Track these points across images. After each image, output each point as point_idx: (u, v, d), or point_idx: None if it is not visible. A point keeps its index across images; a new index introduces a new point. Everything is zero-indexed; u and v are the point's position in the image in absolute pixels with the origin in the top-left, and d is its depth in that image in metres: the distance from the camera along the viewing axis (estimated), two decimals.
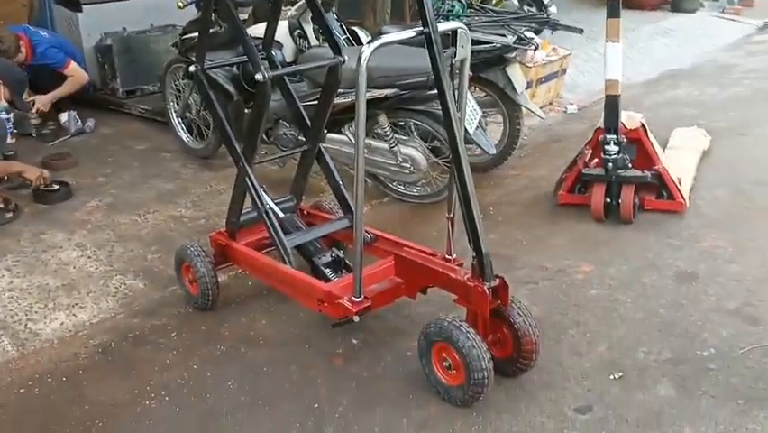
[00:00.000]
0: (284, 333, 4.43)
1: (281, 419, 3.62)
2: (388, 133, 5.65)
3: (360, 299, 3.74)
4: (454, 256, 4.10)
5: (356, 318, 3.70)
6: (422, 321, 4.30)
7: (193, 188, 6.38)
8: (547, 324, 4.26)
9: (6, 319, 4.63)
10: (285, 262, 4.28)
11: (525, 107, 6.36)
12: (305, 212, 5.16)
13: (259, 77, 3.89)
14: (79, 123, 7.05)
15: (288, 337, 4.37)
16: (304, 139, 4.88)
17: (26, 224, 5.70)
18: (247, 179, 4.40)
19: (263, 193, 4.70)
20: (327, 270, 4.44)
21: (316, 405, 3.71)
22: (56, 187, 6.01)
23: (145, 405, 3.82)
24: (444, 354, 3.56)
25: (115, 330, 4.59)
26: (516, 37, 5.94)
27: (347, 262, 4.42)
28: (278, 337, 4.39)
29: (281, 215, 4.73)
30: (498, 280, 3.50)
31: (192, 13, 6.25)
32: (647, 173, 5.48)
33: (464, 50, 3.45)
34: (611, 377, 3.75)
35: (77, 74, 6.87)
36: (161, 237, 5.62)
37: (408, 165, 5.75)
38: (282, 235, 4.33)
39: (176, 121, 6.98)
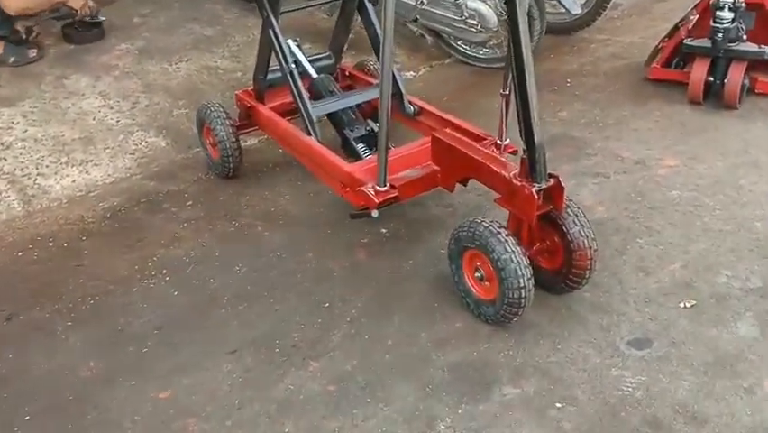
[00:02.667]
0: (307, 212, 3.91)
1: (284, 317, 3.17)
2: None
3: (384, 188, 3.13)
4: (507, 142, 3.39)
5: (375, 213, 3.10)
6: (467, 213, 3.71)
7: (233, 36, 5.73)
8: (611, 228, 3.57)
9: (16, 173, 4.27)
10: (309, 133, 3.68)
11: None
12: (346, 73, 4.47)
13: None
14: None
15: (311, 218, 3.85)
16: None
17: (50, 65, 5.23)
18: (270, 31, 3.73)
19: (293, 47, 4.04)
20: (360, 145, 3.81)
21: (327, 304, 3.23)
22: (98, 19, 5.45)
23: (143, 284, 3.43)
24: (478, 263, 2.97)
25: (128, 193, 4.18)
26: None
27: None
28: (299, 217, 3.87)
29: (314, 75, 4.08)
30: (551, 179, 2.81)
31: None
32: (765, 48, 4.47)
33: None
34: (681, 305, 3.08)
35: None
36: (192, 90, 5.07)
37: (475, 22, 4.91)
38: (307, 101, 3.70)
39: None
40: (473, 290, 3.04)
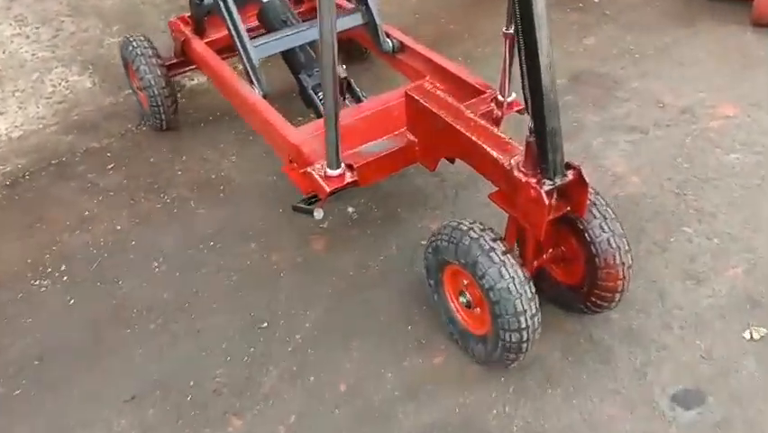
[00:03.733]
0: (256, 181, 3.06)
1: (207, 344, 2.39)
2: None
3: (337, 171, 2.26)
4: (512, 98, 2.48)
5: (318, 214, 2.25)
6: (459, 185, 2.85)
7: None
8: (649, 211, 2.69)
9: None
10: (251, 81, 2.78)
11: None
12: None
13: None
14: None
15: (260, 190, 3.01)
16: None
17: None
18: None
19: None
20: (321, 95, 2.90)
21: (266, 324, 2.43)
22: None
23: (33, 287, 2.65)
24: (464, 282, 2.13)
25: (37, 152, 3.33)
26: None
27: (353, 86, 2.85)
28: (245, 188, 3.03)
29: None
30: (570, 173, 1.92)
31: None
32: None
33: None
34: (746, 335, 2.24)
35: None
36: (129, 12, 4.12)
37: None
38: (245, 37, 2.77)
39: None
40: (458, 317, 2.21)
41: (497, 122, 2.51)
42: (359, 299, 2.48)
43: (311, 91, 2.88)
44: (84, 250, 2.78)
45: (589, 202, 2.00)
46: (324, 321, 2.41)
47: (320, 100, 2.85)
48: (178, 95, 3.48)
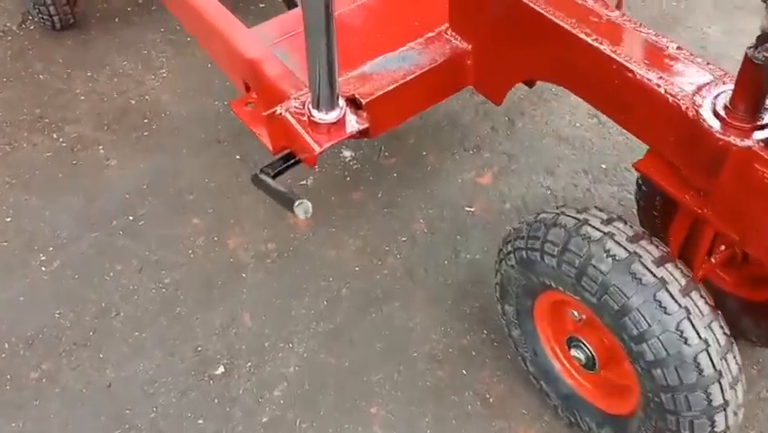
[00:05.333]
0: (196, 108, 2.01)
1: (120, 395, 1.40)
2: None
3: (331, 114, 1.21)
4: None
5: (302, 211, 1.20)
6: (513, 113, 1.84)
7: None
8: None
9: None
10: None
11: None
12: None
13: None
14: None
15: (204, 125, 1.96)
16: None
17: None
18: None
19: None
20: None
21: (219, 369, 1.45)
22: None
23: None
24: (576, 318, 1.14)
25: None
26: None
27: None
28: (180, 120, 2.00)
29: None
30: None
31: None
32: None
33: None
34: None
35: None
36: None
37: None
38: None
39: None
40: (563, 375, 1.24)
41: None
42: (370, 321, 1.50)
43: None
44: None
45: None
46: (313, 369, 1.44)
47: None
48: None
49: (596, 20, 1.11)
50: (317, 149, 1.22)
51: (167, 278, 1.62)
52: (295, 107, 1.27)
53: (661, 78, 1.00)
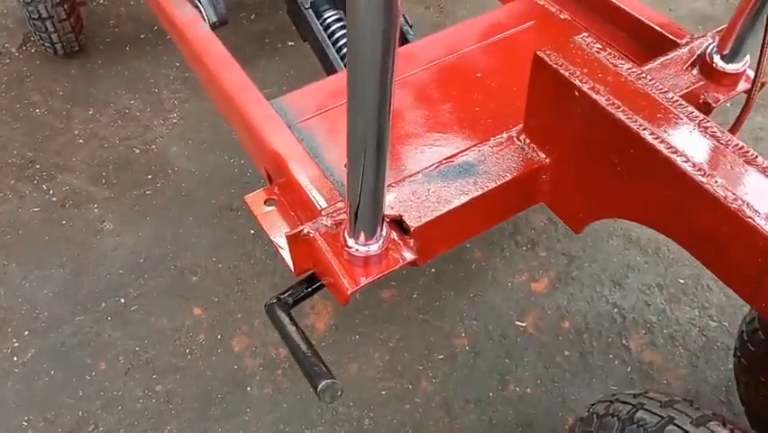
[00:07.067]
0: (210, 165, 1.76)
1: None
2: None
3: (372, 246, 0.95)
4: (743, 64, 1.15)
5: (327, 396, 0.93)
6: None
7: None
8: None
9: None
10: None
11: None
12: None
13: None
14: None
15: (218, 187, 1.70)
16: None
17: None
18: None
19: None
20: (335, 27, 1.55)
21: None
22: None
23: None
24: None
25: None
26: None
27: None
28: (191, 179, 1.74)
29: None
30: None
31: None
32: None
33: None
34: None
35: None
36: None
37: None
38: None
39: None
40: None
41: (705, 108, 1.20)
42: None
43: (314, 21, 1.51)
44: None
45: None
46: None
47: (337, 47, 1.51)
48: None
49: (730, 166, 0.85)
50: (352, 288, 0.96)
51: (158, 385, 1.37)
52: (326, 228, 1.01)
53: None
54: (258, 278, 1.53)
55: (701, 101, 1.19)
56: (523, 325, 1.43)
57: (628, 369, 1.35)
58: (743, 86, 1.20)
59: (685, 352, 1.38)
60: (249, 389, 1.36)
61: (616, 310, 1.44)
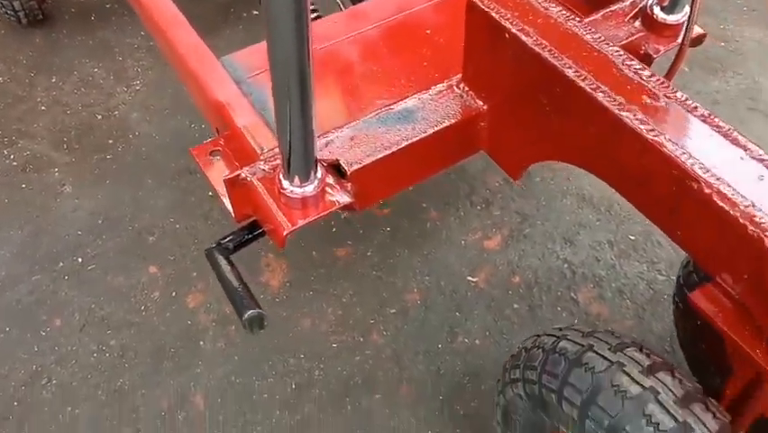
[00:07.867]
0: (171, 130, 1.75)
1: None
2: None
3: (307, 187, 0.96)
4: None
5: (249, 325, 0.95)
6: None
7: None
8: None
9: None
10: None
11: None
12: None
13: None
14: None
15: (176, 153, 1.71)
16: None
17: None
18: None
19: None
20: None
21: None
22: None
23: None
24: None
25: None
26: None
27: None
28: (151, 144, 1.75)
29: None
30: None
31: None
32: None
33: None
34: None
35: None
36: None
37: None
38: None
39: None
40: None
41: (646, 59, 1.22)
42: (344, 416, 1.26)
43: None
44: None
45: None
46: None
47: None
48: None
49: (650, 101, 0.87)
50: (287, 228, 0.98)
51: (112, 340, 1.39)
52: (264, 172, 1.02)
53: (740, 197, 0.75)
54: (214, 238, 1.53)
55: (642, 52, 1.21)
56: (474, 280, 1.45)
57: (575, 321, 1.37)
58: (683, 37, 1.22)
59: (632, 304, 1.40)
60: (202, 343, 1.38)
61: (566, 266, 1.47)
